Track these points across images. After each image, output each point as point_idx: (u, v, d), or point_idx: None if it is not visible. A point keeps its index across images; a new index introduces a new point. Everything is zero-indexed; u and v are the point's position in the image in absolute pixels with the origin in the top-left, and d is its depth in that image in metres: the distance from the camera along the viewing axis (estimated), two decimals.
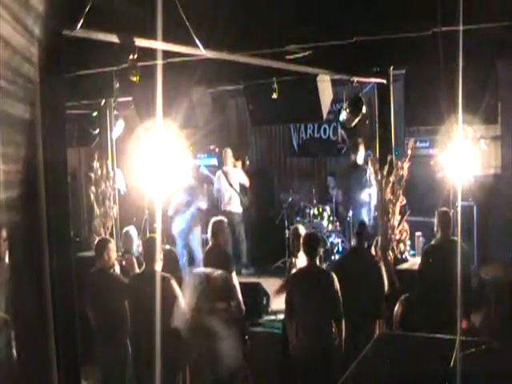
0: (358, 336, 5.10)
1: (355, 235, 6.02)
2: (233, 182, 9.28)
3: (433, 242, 5.97)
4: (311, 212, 9.42)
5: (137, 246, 6.63)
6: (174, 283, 5.13)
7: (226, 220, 6.48)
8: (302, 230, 6.12)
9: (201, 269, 5.83)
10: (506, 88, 6.39)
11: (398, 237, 6.50)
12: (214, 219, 6.41)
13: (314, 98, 6.28)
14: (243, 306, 6.11)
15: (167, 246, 6.72)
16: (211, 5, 4.58)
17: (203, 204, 8.81)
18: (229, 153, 9.42)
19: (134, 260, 6.08)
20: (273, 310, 7.21)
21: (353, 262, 5.83)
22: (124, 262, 5.99)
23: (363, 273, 5.60)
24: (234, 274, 6.04)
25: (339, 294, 5.16)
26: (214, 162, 10.62)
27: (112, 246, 5.67)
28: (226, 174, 9.27)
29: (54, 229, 2.77)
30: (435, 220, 5.85)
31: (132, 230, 6.65)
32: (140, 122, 6.79)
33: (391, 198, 6.41)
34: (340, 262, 6.41)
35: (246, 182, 9.48)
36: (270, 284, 7.90)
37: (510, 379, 2.47)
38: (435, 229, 5.83)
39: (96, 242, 5.80)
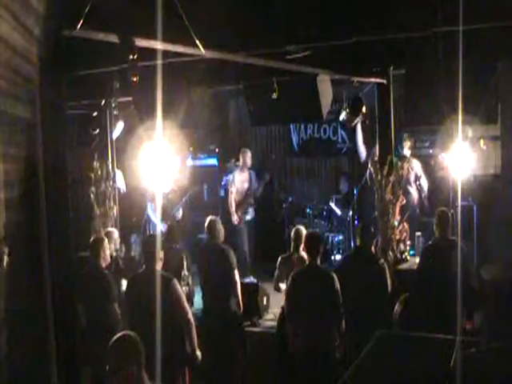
0: (360, 336, 5.10)
1: (358, 235, 6.00)
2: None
3: (431, 242, 5.98)
4: (311, 212, 9.43)
5: (119, 247, 6.63)
6: (175, 283, 5.11)
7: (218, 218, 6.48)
8: (303, 231, 6.12)
9: None
10: (506, 88, 6.39)
11: (397, 237, 6.49)
12: (209, 217, 6.40)
13: (314, 97, 6.26)
14: (241, 304, 6.13)
15: (177, 246, 6.71)
16: (211, 5, 4.59)
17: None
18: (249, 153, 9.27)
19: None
20: (273, 310, 7.21)
21: (356, 261, 5.81)
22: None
23: (367, 273, 5.58)
24: (236, 272, 6.06)
25: (340, 294, 5.15)
26: (213, 161, 10.62)
27: (107, 244, 5.68)
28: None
29: (54, 229, 2.77)
30: (434, 220, 5.85)
31: (114, 231, 6.63)
32: (140, 122, 6.78)
33: (391, 197, 6.41)
34: (343, 262, 6.40)
35: None
36: (270, 284, 7.91)
37: (510, 379, 2.47)
38: (434, 228, 5.83)
39: (91, 241, 5.79)
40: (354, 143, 9.90)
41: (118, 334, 3.13)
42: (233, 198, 8.95)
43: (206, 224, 6.32)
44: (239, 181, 9.05)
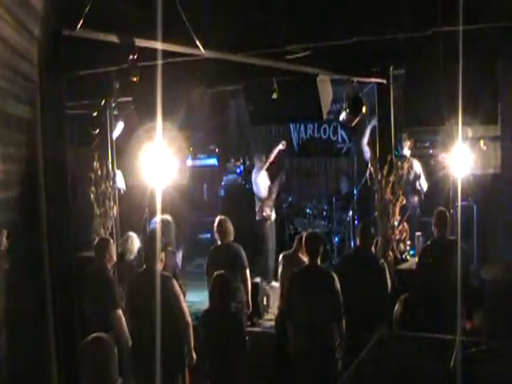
0: (360, 336, 5.09)
1: (358, 235, 5.99)
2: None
3: (430, 242, 5.98)
4: (311, 212, 9.43)
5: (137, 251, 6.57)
6: (174, 282, 5.13)
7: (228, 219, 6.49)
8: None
9: None
10: (506, 88, 6.38)
11: (397, 237, 6.50)
12: (219, 217, 6.40)
13: (314, 97, 6.27)
14: (250, 303, 6.16)
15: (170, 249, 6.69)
16: (211, 5, 4.59)
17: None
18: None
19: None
20: (273, 310, 7.21)
21: (356, 261, 5.81)
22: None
23: (367, 273, 5.58)
24: (247, 271, 6.09)
25: (340, 293, 5.15)
26: (213, 161, 10.63)
27: (112, 245, 5.67)
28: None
29: (54, 229, 2.77)
30: (433, 220, 5.86)
31: (135, 236, 6.56)
32: (140, 122, 6.79)
33: (391, 198, 6.41)
34: (343, 262, 6.40)
35: None
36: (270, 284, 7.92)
37: (510, 379, 2.47)
38: (433, 228, 5.84)
39: (96, 242, 5.79)
40: (354, 143, 9.92)
41: (93, 335, 3.06)
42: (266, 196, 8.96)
43: (215, 224, 6.33)
44: (263, 180, 9.06)
